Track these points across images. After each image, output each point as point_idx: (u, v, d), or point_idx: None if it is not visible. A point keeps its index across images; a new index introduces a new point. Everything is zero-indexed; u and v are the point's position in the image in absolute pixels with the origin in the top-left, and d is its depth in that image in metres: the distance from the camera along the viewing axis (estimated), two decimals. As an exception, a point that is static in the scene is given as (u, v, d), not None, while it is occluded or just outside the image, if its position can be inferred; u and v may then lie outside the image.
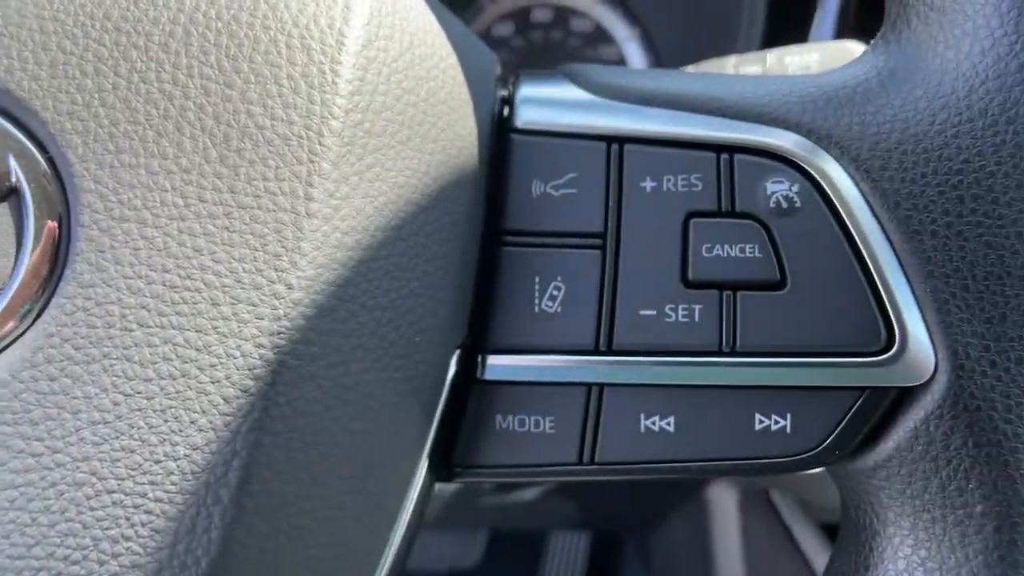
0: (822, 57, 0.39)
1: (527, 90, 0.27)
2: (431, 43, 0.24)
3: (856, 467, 0.25)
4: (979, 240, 0.23)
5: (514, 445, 0.26)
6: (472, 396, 0.26)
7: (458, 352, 0.25)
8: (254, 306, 0.20)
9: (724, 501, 0.71)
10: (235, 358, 0.19)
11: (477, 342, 0.26)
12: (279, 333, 0.20)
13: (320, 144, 0.20)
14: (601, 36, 0.68)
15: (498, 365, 0.26)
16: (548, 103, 0.27)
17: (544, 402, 0.25)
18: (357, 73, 0.21)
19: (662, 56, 0.66)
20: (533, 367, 0.25)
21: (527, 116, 0.26)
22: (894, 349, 0.24)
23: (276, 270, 0.20)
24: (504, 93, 0.28)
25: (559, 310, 0.25)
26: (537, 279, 0.26)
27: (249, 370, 0.19)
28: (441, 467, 0.27)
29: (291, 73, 0.21)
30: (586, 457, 0.25)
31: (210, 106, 0.20)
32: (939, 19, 0.24)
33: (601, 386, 0.25)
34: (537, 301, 0.25)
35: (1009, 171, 0.23)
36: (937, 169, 0.23)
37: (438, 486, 0.51)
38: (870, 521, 0.25)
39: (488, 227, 0.26)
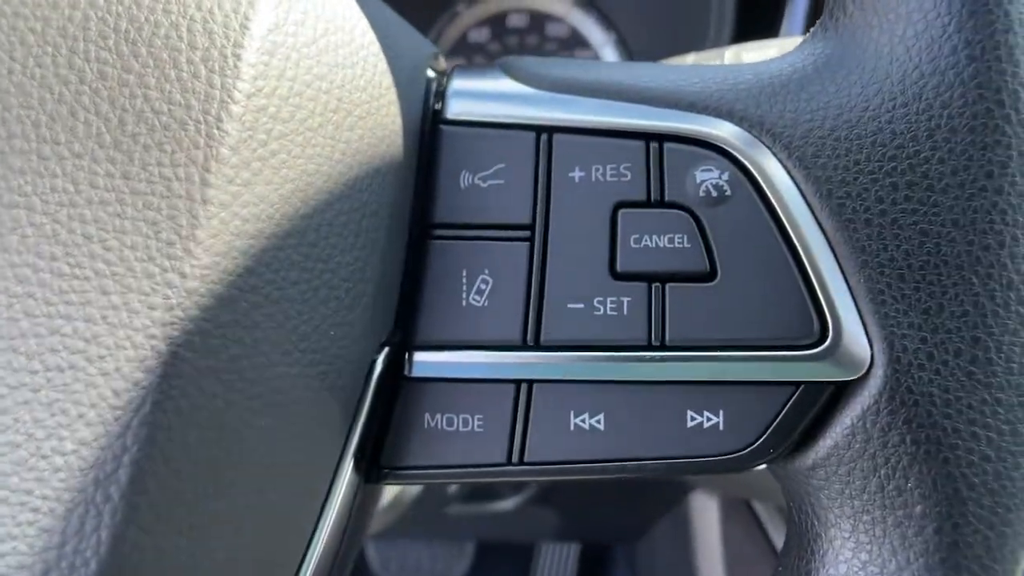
0: (780, 52, 0.38)
1: (459, 83, 0.27)
2: (350, 30, 0.24)
3: (795, 467, 0.24)
4: (914, 228, 0.22)
5: (442, 445, 0.25)
6: (400, 394, 0.25)
7: (387, 350, 0.25)
8: (146, 295, 0.19)
9: (706, 511, 0.70)
10: (125, 349, 0.19)
11: (406, 338, 0.25)
12: (172, 323, 0.19)
13: (218, 129, 0.20)
14: (577, 41, 0.68)
15: (425, 362, 0.25)
16: (479, 95, 0.26)
17: (472, 400, 0.25)
18: (262, 58, 0.21)
19: (636, 59, 0.66)
20: (460, 363, 0.25)
21: (457, 107, 0.26)
22: (827, 342, 0.23)
23: (169, 258, 0.19)
24: (439, 87, 0.27)
25: (487, 304, 0.25)
26: (465, 272, 0.25)
27: (140, 362, 0.19)
28: (371, 469, 0.26)
29: (191, 57, 0.20)
30: (515, 457, 0.24)
31: (106, 91, 0.20)
32: (874, 4, 0.24)
33: (530, 383, 0.24)
34: (465, 295, 0.25)
35: (944, 156, 0.22)
36: (871, 156, 0.23)
37: (417, 497, 0.50)
38: (811, 524, 0.24)
39: (417, 220, 0.25)
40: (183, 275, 0.19)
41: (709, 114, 0.24)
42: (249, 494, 0.21)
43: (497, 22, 0.68)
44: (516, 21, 0.68)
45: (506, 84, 0.26)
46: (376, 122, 0.24)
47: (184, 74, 0.20)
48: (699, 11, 0.57)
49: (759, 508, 0.65)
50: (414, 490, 0.45)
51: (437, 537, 0.98)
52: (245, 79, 0.20)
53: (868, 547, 0.23)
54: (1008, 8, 0.22)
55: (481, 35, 0.69)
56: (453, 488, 0.56)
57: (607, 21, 0.65)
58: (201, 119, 0.20)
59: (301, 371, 0.21)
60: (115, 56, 0.20)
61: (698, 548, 0.70)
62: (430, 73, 0.28)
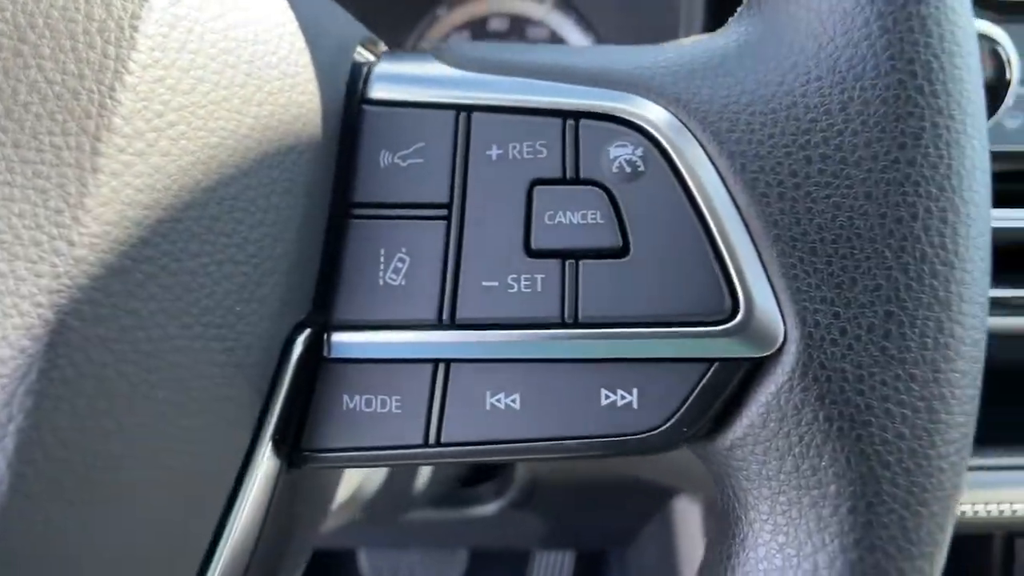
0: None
1: (385, 65, 0.27)
2: (264, 8, 0.24)
3: (714, 448, 0.24)
4: (827, 201, 0.22)
5: (361, 427, 0.25)
6: (319, 376, 0.25)
7: (307, 331, 0.25)
8: (33, 263, 0.19)
9: (689, 513, 0.69)
10: (12, 317, 0.19)
11: (325, 319, 0.25)
12: (59, 291, 0.19)
13: (111, 99, 0.20)
14: (556, 43, 0.68)
15: (343, 342, 0.25)
16: (403, 77, 0.26)
17: (390, 380, 0.24)
18: (161, 29, 0.21)
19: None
20: (377, 343, 0.24)
21: (380, 88, 0.26)
22: (739, 317, 0.22)
23: (57, 226, 0.19)
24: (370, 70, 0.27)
25: (403, 283, 0.24)
26: (383, 251, 0.25)
27: (26, 330, 0.19)
28: (293, 453, 0.25)
29: (88, 28, 0.20)
30: (431, 438, 0.24)
31: (0, 62, 0.20)
32: None
33: (447, 362, 0.24)
34: (381, 274, 0.25)
35: (857, 128, 0.22)
36: (785, 129, 0.22)
37: (379, 493, 0.49)
38: (732, 506, 0.24)
39: (338, 199, 0.25)
40: (71, 243, 0.19)
41: (627, 91, 0.24)
42: (145, 468, 0.21)
43: (478, 26, 0.69)
44: (496, 25, 0.68)
45: (431, 67, 0.26)
46: (290, 99, 0.24)
47: (80, 45, 0.20)
48: (676, 13, 0.57)
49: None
50: (373, 486, 0.45)
51: (423, 545, 0.97)
52: (141, 50, 0.20)
53: (785, 529, 0.22)
54: None
55: (462, 39, 0.69)
56: (419, 488, 0.55)
57: (586, 23, 0.66)
58: (94, 88, 0.20)
59: (204, 345, 0.21)
60: (12, 27, 0.20)
61: (682, 550, 0.69)
62: (363, 56, 0.28)
